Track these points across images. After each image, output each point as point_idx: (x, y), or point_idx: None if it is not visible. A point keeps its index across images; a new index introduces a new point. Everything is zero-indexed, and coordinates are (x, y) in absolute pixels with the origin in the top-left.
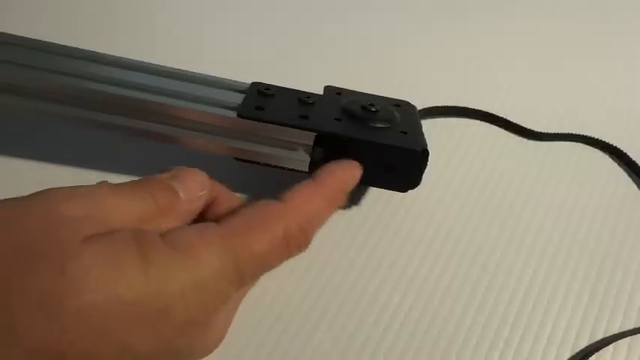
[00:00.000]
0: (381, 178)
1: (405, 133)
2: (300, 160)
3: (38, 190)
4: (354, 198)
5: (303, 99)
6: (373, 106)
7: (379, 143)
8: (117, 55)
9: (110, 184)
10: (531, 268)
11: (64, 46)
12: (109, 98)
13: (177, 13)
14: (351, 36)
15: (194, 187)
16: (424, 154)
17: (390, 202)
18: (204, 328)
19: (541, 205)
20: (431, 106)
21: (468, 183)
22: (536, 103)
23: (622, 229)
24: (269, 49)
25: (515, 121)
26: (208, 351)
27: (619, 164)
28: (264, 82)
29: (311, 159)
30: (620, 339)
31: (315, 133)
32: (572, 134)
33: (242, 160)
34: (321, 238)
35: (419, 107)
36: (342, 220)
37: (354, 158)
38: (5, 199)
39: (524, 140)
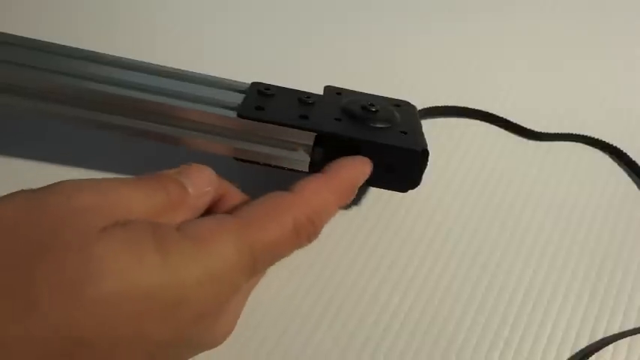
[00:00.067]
0: (381, 178)
1: (405, 133)
2: (300, 160)
3: None
4: (354, 198)
5: (303, 99)
6: (373, 106)
7: (379, 143)
8: (117, 55)
9: (122, 178)
10: (531, 268)
11: (64, 46)
12: (109, 98)
13: (177, 13)
14: (351, 36)
15: (202, 183)
16: (424, 154)
17: (390, 202)
18: (216, 318)
19: (541, 205)
20: (431, 106)
21: (468, 183)
22: (536, 103)
23: (622, 229)
24: (269, 49)
25: (515, 121)
26: (217, 343)
27: (619, 164)
28: (264, 82)
29: (311, 159)
30: (620, 339)
31: (315, 133)
32: (572, 134)
33: (242, 160)
34: (322, 237)
35: (419, 107)
36: (342, 220)
37: None
38: (21, 190)
39: (524, 140)
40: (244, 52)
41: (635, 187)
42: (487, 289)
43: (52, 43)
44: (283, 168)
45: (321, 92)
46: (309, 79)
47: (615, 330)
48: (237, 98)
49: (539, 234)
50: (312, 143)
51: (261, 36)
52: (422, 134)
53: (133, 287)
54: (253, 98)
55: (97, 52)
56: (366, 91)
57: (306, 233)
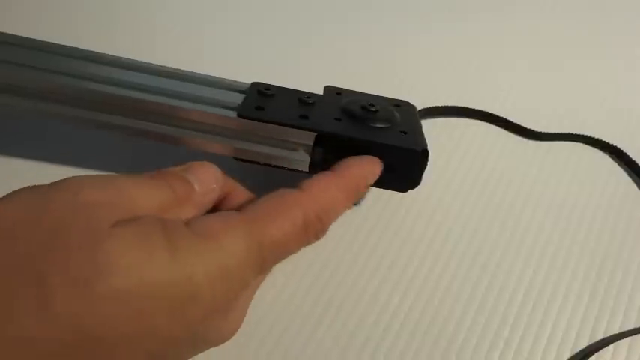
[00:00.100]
0: (380, 178)
1: (405, 133)
2: (300, 160)
3: None
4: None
5: (303, 99)
6: (373, 106)
7: (379, 143)
8: (117, 55)
9: (127, 174)
10: (531, 268)
11: (64, 46)
12: (109, 98)
13: (177, 13)
14: (351, 36)
15: (207, 180)
16: (424, 154)
17: (390, 202)
18: (225, 315)
19: (541, 205)
20: (431, 106)
21: (468, 183)
22: (536, 103)
23: (622, 229)
24: (269, 49)
25: (515, 121)
26: (224, 339)
27: (619, 164)
28: (264, 82)
29: (311, 159)
30: (620, 339)
31: (315, 133)
32: (572, 134)
33: (242, 160)
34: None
35: (419, 107)
36: (342, 220)
37: None
38: (28, 187)
39: (524, 140)
40: (244, 52)
41: (635, 187)
42: (487, 289)
43: (52, 43)
44: (283, 168)
45: (321, 92)
46: (309, 79)
47: (615, 330)
48: (237, 98)
49: (539, 234)
50: (312, 143)
51: (261, 36)
52: (422, 134)
53: (143, 283)
54: (253, 98)
55: (97, 52)
56: (366, 91)
57: (314, 230)
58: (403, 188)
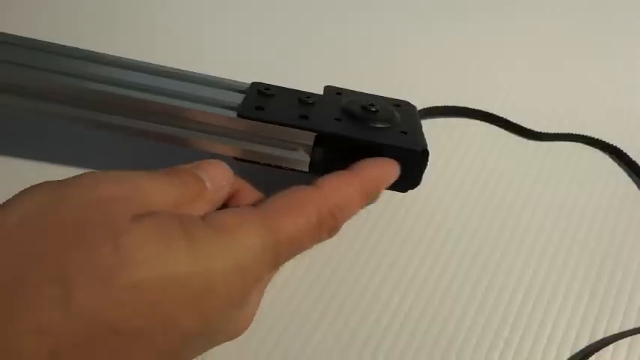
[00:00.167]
0: None
1: (405, 133)
2: (300, 160)
3: None
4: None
5: (303, 99)
6: (373, 106)
7: (379, 143)
8: (117, 55)
9: (138, 170)
10: (531, 268)
11: (64, 46)
12: (109, 98)
13: (177, 13)
14: (351, 36)
15: (218, 177)
16: (424, 154)
17: (390, 202)
18: (239, 308)
19: (541, 205)
20: (431, 106)
21: (468, 183)
22: (536, 103)
23: (622, 229)
24: (269, 49)
25: (515, 121)
26: (238, 333)
27: (619, 164)
28: (264, 82)
29: (311, 159)
30: (620, 339)
31: (315, 133)
32: (572, 134)
33: (242, 160)
34: None
35: (419, 107)
36: None
37: (355, 158)
38: (46, 182)
39: (524, 140)
40: (244, 52)
41: (635, 187)
42: (487, 289)
43: (52, 43)
44: (283, 168)
45: (321, 92)
46: (309, 79)
47: (615, 330)
48: (237, 98)
49: (539, 234)
50: (312, 143)
51: (261, 36)
52: (422, 134)
53: (165, 274)
54: (253, 98)
55: (97, 52)
56: (366, 91)
57: (327, 227)
58: (403, 188)
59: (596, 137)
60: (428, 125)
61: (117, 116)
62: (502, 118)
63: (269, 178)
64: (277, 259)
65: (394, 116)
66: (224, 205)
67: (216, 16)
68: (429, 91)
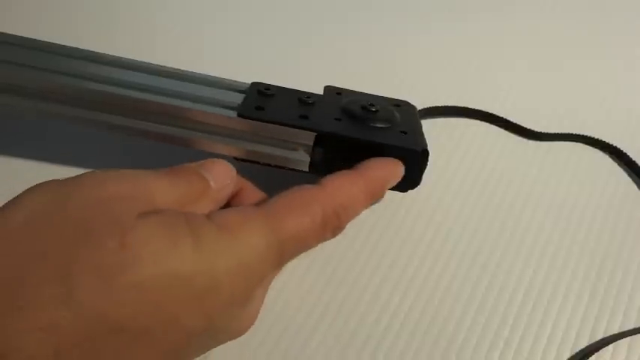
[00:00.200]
0: None
1: (405, 133)
2: (300, 160)
3: None
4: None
5: (303, 99)
6: (373, 106)
7: (379, 143)
8: (117, 55)
9: (143, 169)
10: (531, 268)
11: (64, 46)
12: (109, 98)
13: (177, 13)
14: (351, 36)
15: (222, 176)
16: (424, 154)
17: (390, 202)
18: (243, 307)
19: (541, 205)
20: (431, 106)
21: (468, 183)
22: (536, 103)
23: (622, 229)
24: (269, 49)
25: (515, 121)
26: (241, 332)
27: (619, 164)
28: (264, 82)
29: (311, 159)
30: (620, 339)
31: (315, 133)
32: (572, 134)
33: (242, 160)
34: None
35: (419, 107)
36: None
37: (355, 158)
38: (51, 180)
39: (524, 140)
40: (244, 52)
41: (635, 187)
42: (487, 289)
43: (52, 43)
44: (283, 168)
45: (321, 92)
46: (309, 79)
47: (615, 330)
48: (237, 98)
49: (539, 234)
50: (312, 143)
51: (261, 36)
52: (422, 134)
53: (170, 272)
54: (253, 98)
55: (97, 52)
56: (366, 91)
57: (331, 227)
58: (403, 188)
59: (596, 137)
60: (428, 125)
61: (117, 116)
62: (502, 118)
63: (269, 178)
64: (281, 259)
65: (394, 116)
66: (227, 205)
67: (216, 16)
68: (429, 91)
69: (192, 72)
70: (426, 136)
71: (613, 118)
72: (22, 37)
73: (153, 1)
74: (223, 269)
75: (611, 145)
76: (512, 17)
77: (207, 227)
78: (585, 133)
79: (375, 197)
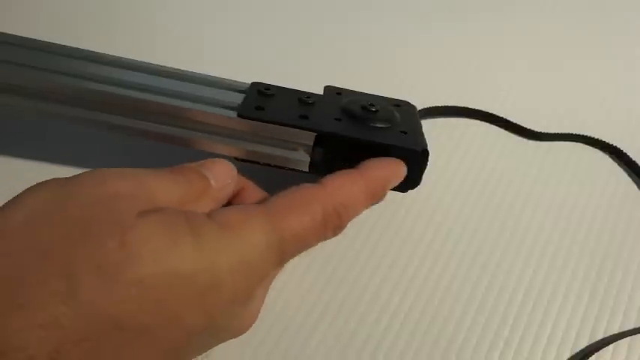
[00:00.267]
0: None
1: (405, 133)
2: (300, 160)
3: None
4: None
5: (303, 99)
6: (373, 106)
7: (379, 143)
8: (117, 55)
9: (143, 168)
10: (531, 268)
11: (64, 46)
12: (109, 98)
13: (177, 13)
14: (351, 36)
15: (223, 175)
16: (424, 154)
17: (390, 202)
18: (244, 306)
19: (541, 205)
20: (431, 106)
21: (468, 183)
22: (536, 103)
23: (622, 229)
24: (269, 49)
25: (515, 121)
26: (242, 331)
27: (619, 164)
28: (264, 82)
29: (311, 159)
30: (620, 339)
31: (315, 133)
32: (572, 134)
33: (242, 160)
34: None
35: (419, 107)
36: None
37: (355, 158)
38: (52, 179)
39: (524, 140)
40: (244, 52)
41: (635, 187)
42: (487, 289)
43: (52, 43)
44: (283, 168)
45: (321, 92)
46: (309, 79)
47: (615, 330)
48: (237, 98)
49: (539, 234)
50: (312, 143)
51: (261, 36)
52: (422, 134)
53: (171, 271)
54: (253, 98)
55: (97, 52)
56: (366, 91)
57: (332, 225)
58: (403, 188)
59: (596, 137)
60: (428, 125)
61: (117, 116)
62: (502, 118)
63: (269, 178)
64: (282, 257)
65: (394, 116)
66: (228, 204)
67: (216, 16)
68: (429, 91)
69: (192, 72)
70: (426, 136)
71: (613, 118)
72: (22, 37)
73: (153, 1)
74: (225, 267)
75: (611, 145)
76: (512, 17)
77: (207, 225)
78: (585, 133)
79: (376, 197)
